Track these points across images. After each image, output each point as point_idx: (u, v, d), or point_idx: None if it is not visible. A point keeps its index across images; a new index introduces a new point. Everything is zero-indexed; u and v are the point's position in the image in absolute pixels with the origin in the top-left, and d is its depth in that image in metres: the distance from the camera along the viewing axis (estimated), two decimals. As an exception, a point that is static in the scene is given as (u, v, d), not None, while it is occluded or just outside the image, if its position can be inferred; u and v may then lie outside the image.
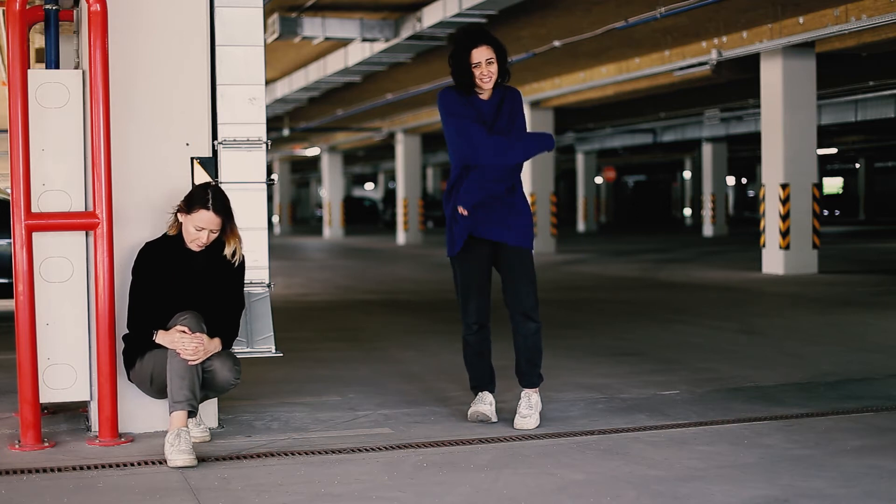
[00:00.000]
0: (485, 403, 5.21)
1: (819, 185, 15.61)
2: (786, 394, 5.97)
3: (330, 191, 36.66)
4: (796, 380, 6.46)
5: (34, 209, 4.76)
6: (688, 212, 46.73)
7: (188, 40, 5.06)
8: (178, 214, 4.72)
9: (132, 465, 4.42)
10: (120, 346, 4.80)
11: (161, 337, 4.59)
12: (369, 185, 67.21)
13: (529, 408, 5.13)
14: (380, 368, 7.08)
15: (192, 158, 5.06)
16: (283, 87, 23.30)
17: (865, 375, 6.58)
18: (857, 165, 48.01)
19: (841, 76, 19.58)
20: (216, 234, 4.71)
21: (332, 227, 35.98)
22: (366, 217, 51.35)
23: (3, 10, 6.37)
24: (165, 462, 4.37)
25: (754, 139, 29.17)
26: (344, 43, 17.79)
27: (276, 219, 43.47)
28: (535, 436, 4.92)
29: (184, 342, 4.51)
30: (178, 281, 4.71)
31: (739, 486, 4.00)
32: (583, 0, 13.86)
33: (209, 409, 5.12)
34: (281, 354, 5.21)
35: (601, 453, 4.56)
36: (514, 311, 5.18)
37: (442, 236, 32.40)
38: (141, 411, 4.96)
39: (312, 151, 38.40)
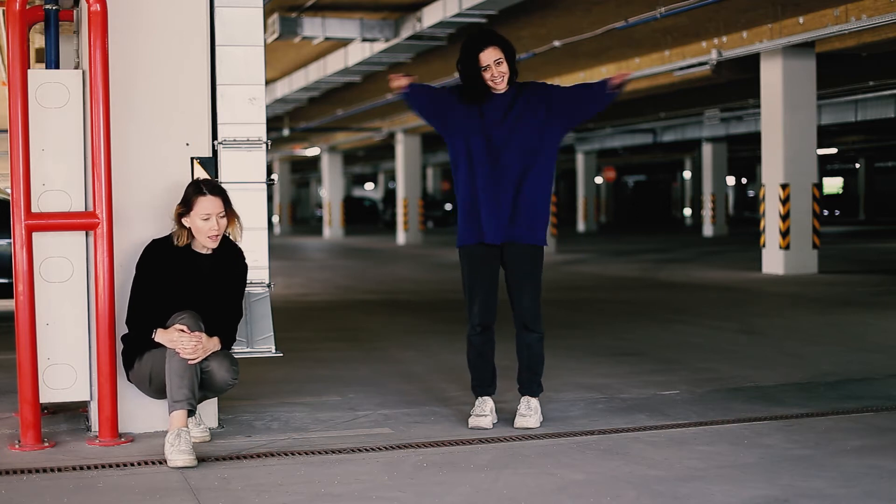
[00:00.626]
0: (485, 413, 5.13)
1: (819, 185, 15.61)
2: (786, 394, 5.96)
3: (330, 191, 36.64)
4: (796, 380, 6.46)
5: (34, 209, 4.76)
6: (688, 212, 46.71)
7: (188, 40, 5.06)
8: (182, 220, 4.70)
9: (132, 465, 4.42)
10: (120, 346, 4.80)
11: (160, 335, 4.59)
12: (369, 185, 67.18)
13: (529, 409, 5.12)
14: (380, 368, 7.08)
15: (192, 158, 5.05)
16: (283, 87, 23.31)
17: (865, 375, 6.58)
18: (857, 165, 48.00)
19: (841, 76, 19.58)
20: (224, 219, 4.70)
21: (332, 227, 35.96)
22: (366, 217, 51.30)
23: (4, 10, 6.37)
24: (165, 462, 4.37)
25: (754, 139, 29.15)
26: (344, 43, 17.81)
27: (276, 219, 43.44)
28: (535, 436, 4.92)
29: (182, 341, 4.51)
30: (181, 282, 4.71)
31: (739, 486, 4.00)
32: (583, 0, 13.86)
33: (209, 409, 5.12)
34: (281, 354, 5.21)
35: (601, 453, 4.56)
36: (516, 319, 5.16)
37: (442, 236, 32.40)
38: (141, 411, 4.96)
39: (312, 151, 38.39)
